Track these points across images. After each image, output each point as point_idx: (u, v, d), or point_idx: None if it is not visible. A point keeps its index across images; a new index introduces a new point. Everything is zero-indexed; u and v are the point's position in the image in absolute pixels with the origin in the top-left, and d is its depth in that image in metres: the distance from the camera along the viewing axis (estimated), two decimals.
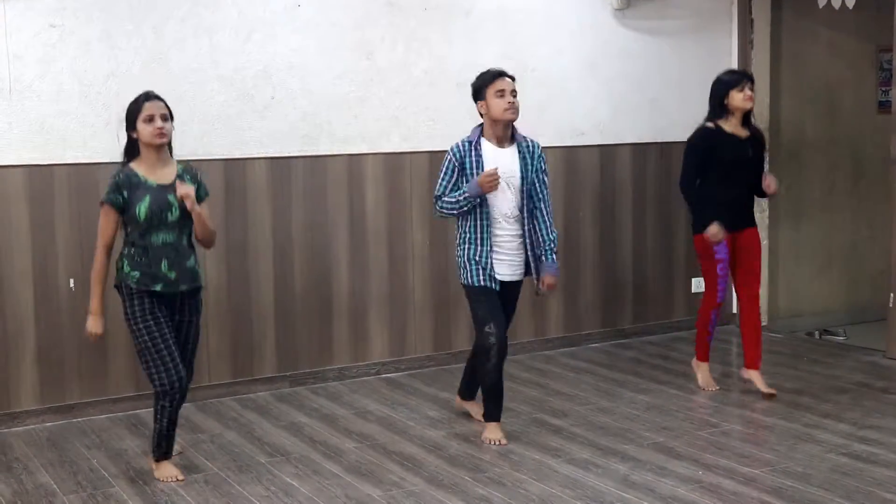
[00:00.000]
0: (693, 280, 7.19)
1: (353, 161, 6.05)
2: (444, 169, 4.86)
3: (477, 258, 4.84)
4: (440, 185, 4.86)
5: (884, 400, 5.52)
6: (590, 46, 6.75)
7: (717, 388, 5.75)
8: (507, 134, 4.86)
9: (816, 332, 7.39)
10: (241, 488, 4.36)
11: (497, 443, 4.89)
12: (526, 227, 4.90)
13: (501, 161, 4.80)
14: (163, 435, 4.46)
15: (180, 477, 4.48)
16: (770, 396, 5.56)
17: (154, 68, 5.41)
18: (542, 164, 4.95)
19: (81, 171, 5.31)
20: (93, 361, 5.45)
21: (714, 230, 5.42)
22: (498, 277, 4.87)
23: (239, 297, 5.78)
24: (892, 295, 6.35)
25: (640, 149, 6.95)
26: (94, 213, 4.54)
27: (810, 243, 7.67)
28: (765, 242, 7.36)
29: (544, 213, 4.96)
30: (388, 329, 6.23)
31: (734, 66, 7.18)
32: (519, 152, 4.88)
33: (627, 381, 5.97)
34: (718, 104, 5.53)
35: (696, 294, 7.04)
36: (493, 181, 4.70)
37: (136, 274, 4.35)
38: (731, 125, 5.54)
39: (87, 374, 5.44)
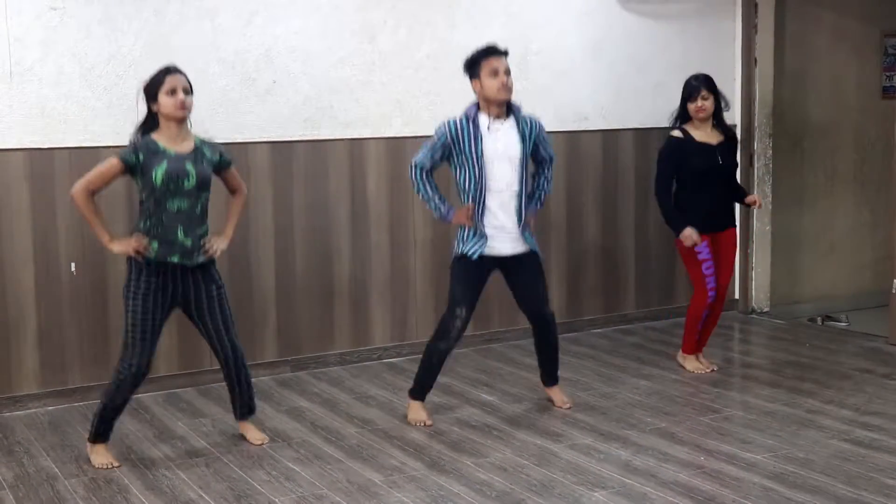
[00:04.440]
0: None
1: (355, 145, 6.03)
2: (433, 142, 4.83)
3: (473, 230, 4.83)
4: (424, 155, 4.84)
5: (886, 386, 5.51)
6: (593, 30, 6.72)
7: (711, 368, 5.78)
8: (503, 110, 4.85)
9: (819, 318, 7.39)
10: (243, 472, 4.36)
11: (422, 424, 4.93)
12: (524, 199, 4.88)
13: (500, 135, 4.80)
14: (107, 415, 4.46)
15: (115, 463, 4.47)
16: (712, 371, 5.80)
17: (155, 51, 5.38)
18: (543, 135, 4.97)
19: (82, 155, 5.29)
20: (94, 345, 5.44)
21: (688, 233, 5.53)
22: (495, 252, 4.85)
23: (240, 282, 5.76)
24: (894, 281, 6.34)
25: (643, 133, 6.92)
26: (97, 196, 4.53)
27: (812, 229, 7.66)
28: (767, 228, 7.35)
29: (547, 168, 5.02)
30: (389, 314, 6.22)
31: (738, 50, 7.17)
32: (517, 126, 4.87)
33: (629, 366, 5.96)
34: (683, 109, 5.65)
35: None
36: (468, 220, 4.78)
37: (155, 244, 4.35)
38: (701, 132, 5.62)
39: (89, 358, 5.44)
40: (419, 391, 5.05)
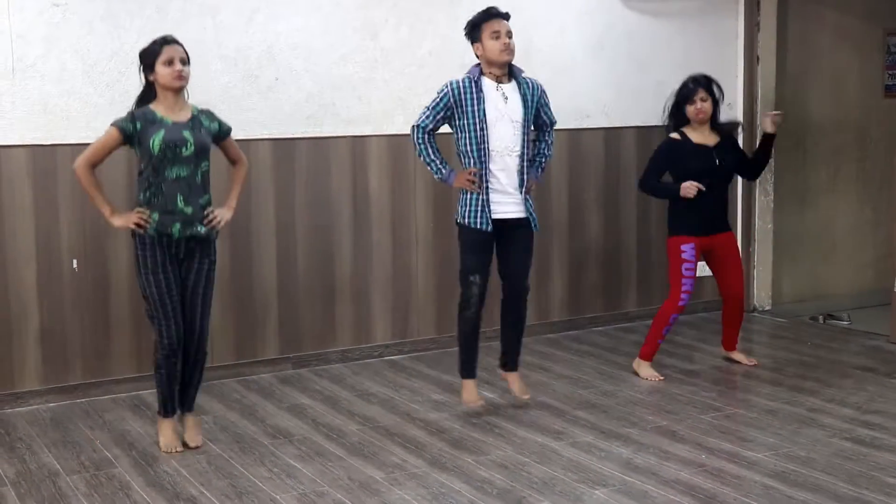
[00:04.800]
0: (697, 264, 7.15)
1: (357, 143, 6.02)
2: (435, 101, 4.85)
3: (476, 195, 4.83)
4: (426, 115, 4.85)
5: (887, 384, 5.50)
6: (595, 28, 6.72)
7: (661, 377, 5.61)
8: (504, 73, 4.86)
9: (820, 317, 7.38)
10: (244, 469, 4.37)
11: (473, 405, 4.97)
12: (526, 162, 4.89)
13: (503, 97, 4.82)
14: (164, 391, 4.54)
15: (178, 448, 4.53)
16: (756, 366, 5.81)
17: None
18: (545, 99, 5.00)
19: None
20: (96, 342, 5.44)
21: (687, 184, 5.46)
22: (500, 216, 4.86)
23: (242, 279, 5.77)
24: None
25: (645, 131, 6.91)
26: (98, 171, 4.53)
27: (815, 227, 7.66)
28: (769, 226, 7.35)
29: (548, 133, 5.05)
30: (391, 311, 6.22)
31: (740, 48, 7.17)
32: (519, 89, 4.88)
33: (631, 364, 5.96)
34: (679, 112, 5.62)
35: (700, 277, 7.00)
36: (470, 184, 4.78)
37: (155, 216, 4.37)
38: (698, 134, 5.59)
39: (91, 354, 5.44)
40: (464, 368, 5.05)
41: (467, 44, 4.95)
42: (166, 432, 4.61)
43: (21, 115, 5.20)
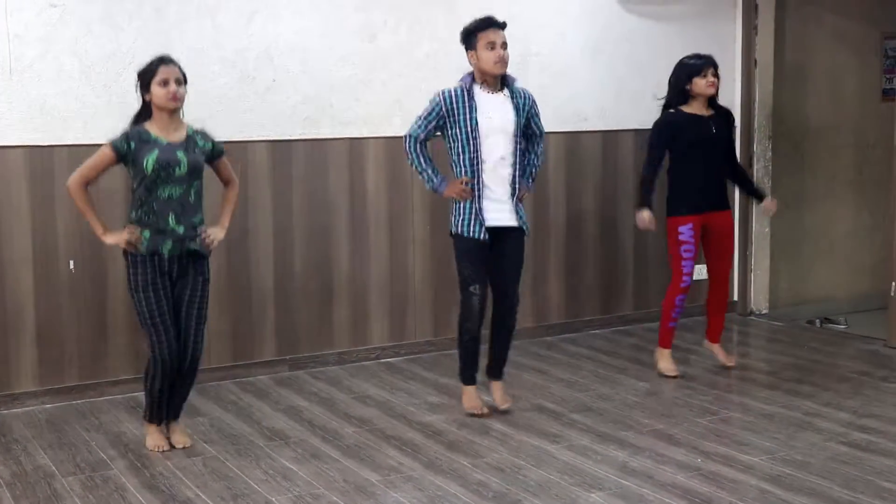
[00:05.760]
0: (695, 267, 7.15)
1: (355, 145, 6.02)
2: (427, 111, 4.87)
3: (469, 204, 4.83)
4: (418, 124, 4.87)
5: (884, 389, 5.50)
6: (593, 31, 6.72)
7: (678, 373, 5.68)
8: (497, 81, 4.87)
9: (817, 321, 7.39)
10: (240, 471, 4.36)
11: (475, 413, 4.98)
12: (517, 171, 4.90)
13: (495, 107, 4.82)
14: (154, 399, 4.55)
15: (164, 447, 4.56)
16: (730, 368, 5.80)
17: (155, 49, 5.33)
18: (536, 109, 5.00)
19: (82, 153, 5.22)
20: (92, 343, 5.44)
21: (644, 215, 5.51)
22: (493, 224, 4.86)
23: (239, 281, 5.76)
24: (893, 283, 6.33)
25: (642, 134, 6.88)
26: (94, 193, 4.53)
27: (812, 231, 7.66)
28: (766, 229, 7.35)
29: (537, 144, 5.05)
30: (388, 313, 6.22)
31: (738, 51, 7.17)
32: (512, 99, 4.89)
33: (628, 367, 5.96)
34: (680, 90, 5.56)
35: (698, 281, 7.00)
36: (461, 193, 4.80)
37: (147, 234, 4.37)
38: (693, 108, 5.57)
39: (87, 356, 5.44)
40: (464, 375, 5.07)
41: None
42: (153, 433, 4.64)
43: (18, 115, 5.20)
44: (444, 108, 4.82)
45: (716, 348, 5.93)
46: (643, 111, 6.86)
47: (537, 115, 5.03)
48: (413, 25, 6.11)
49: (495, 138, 4.83)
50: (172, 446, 4.62)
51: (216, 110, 5.59)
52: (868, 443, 4.62)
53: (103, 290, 5.43)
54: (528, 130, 4.99)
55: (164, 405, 4.61)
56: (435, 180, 4.89)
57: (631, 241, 7.01)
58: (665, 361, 5.74)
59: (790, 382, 5.63)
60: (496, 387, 5.17)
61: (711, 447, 4.59)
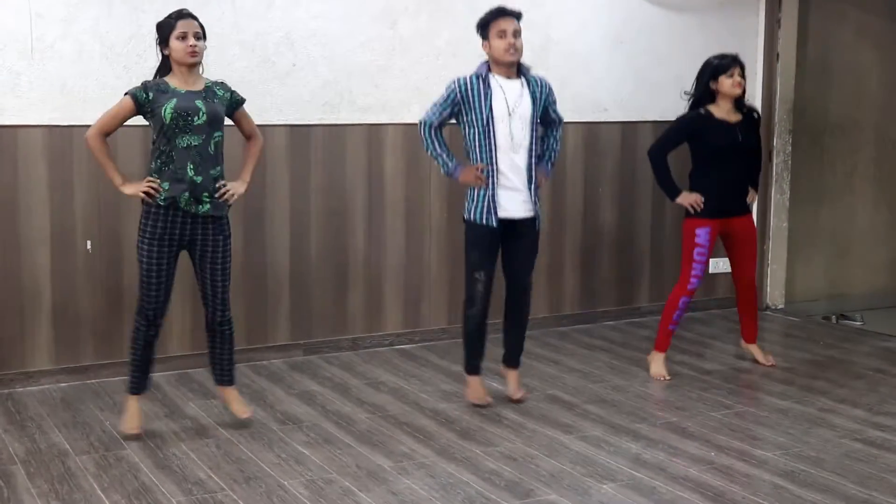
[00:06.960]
0: (710, 260, 7.13)
1: (373, 131, 6.02)
2: (442, 98, 4.86)
3: (482, 192, 4.83)
4: (433, 111, 4.87)
5: None
6: (614, 21, 6.69)
7: (670, 377, 5.55)
8: (512, 71, 4.86)
9: (833, 317, 7.36)
10: (253, 454, 4.37)
11: (479, 403, 4.97)
12: (534, 157, 4.89)
13: (510, 95, 4.82)
14: (137, 361, 4.54)
15: (138, 430, 4.54)
16: (771, 367, 5.74)
17: None
18: (553, 97, 4.99)
19: None
20: (108, 323, 5.46)
21: (683, 199, 5.46)
22: (505, 215, 4.85)
23: (255, 264, 5.77)
24: None
25: (662, 127, 6.84)
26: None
27: (830, 227, 7.62)
28: (784, 224, 7.32)
29: (556, 130, 5.05)
30: (402, 300, 6.22)
31: (760, 44, 7.13)
32: (528, 86, 4.88)
33: (642, 359, 5.94)
34: (705, 88, 5.50)
35: (713, 275, 7.00)
36: (476, 179, 4.79)
37: (165, 185, 4.36)
38: (721, 110, 5.51)
39: (102, 335, 5.46)
40: (469, 364, 5.07)
41: None
42: (131, 410, 4.58)
43: (39, 95, 5.21)
44: (458, 96, 4.81)
45: (753, 348, 5.87)
46: (663, 103, 6.84)
47: (555, 102, 5.02)
48: (434, 12, 6.09)
49: (511, 126, 4.82)
50: (199, 432, 4.58)
51: None
52: (882, 440, 4.60)
53: (120, 270, 5.45)
54: (546, 118, 4.99)
55: (149, 371, 4.58)
56: (450, 165, 4.89)
57: (647, 234, 6.99)
58: (657, 366, 5.61)
59: (805, 378, 5.61)
60: (511, 375, 5.17)
61: (725, 441, 4.58)
